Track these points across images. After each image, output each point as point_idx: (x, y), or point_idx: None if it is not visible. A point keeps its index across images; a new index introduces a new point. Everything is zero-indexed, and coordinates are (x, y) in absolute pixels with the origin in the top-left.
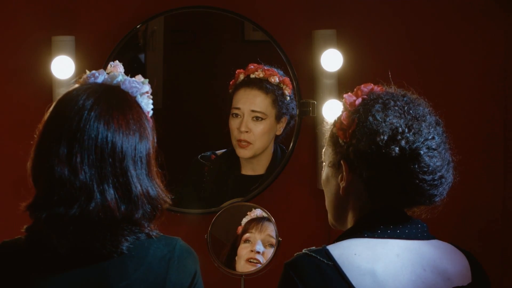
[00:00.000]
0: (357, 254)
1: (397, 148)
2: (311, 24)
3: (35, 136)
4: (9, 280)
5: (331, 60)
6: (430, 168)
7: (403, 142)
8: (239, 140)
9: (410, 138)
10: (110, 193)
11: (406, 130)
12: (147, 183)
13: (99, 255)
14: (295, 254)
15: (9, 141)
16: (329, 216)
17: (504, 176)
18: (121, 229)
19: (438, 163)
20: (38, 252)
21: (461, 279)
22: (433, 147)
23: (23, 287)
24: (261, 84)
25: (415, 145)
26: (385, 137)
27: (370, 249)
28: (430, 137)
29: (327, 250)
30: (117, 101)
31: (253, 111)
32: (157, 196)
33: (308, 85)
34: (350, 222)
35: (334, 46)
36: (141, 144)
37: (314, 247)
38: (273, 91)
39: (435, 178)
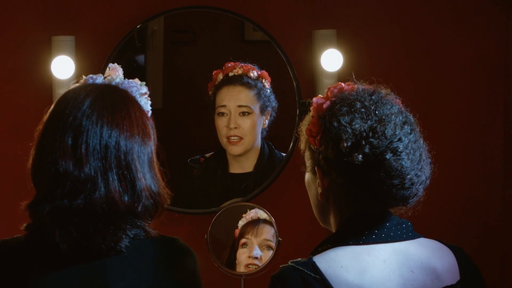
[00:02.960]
0: (344, 267)
1: (361, 156)
2: (311, 24)
3: (35, 136)
4: (8, 278)
5: (331, 60)
6: (397, 172)
7: (366, 148)
8: (229, 137)
9: (374, 143)
10: (114, 185)
11: (370, 134)
12: (150, 178)
13: (98, 252)
14: (280, 266)
15: (9, 141)
16: (318, 219)
17: (504, 176)
18: (124, 222)
19: (406, 165)
20: (37, 250)
21: (450, 277)
22: (400, 149)
23: (21, 285)
24: (242, 80)
25: (379, 150)
26: (349, 144)
27: (356, 260)
28: (396, 139)
29: (314, 263)
30: (119, 97)
31: (239, 106)
32: (159, 192)
33: (308, 85)
34: (333, 226)
35: (334, 46)
36: (144, 140)
37: (300, 259)
38: (255, 85)
39: (404, 181)
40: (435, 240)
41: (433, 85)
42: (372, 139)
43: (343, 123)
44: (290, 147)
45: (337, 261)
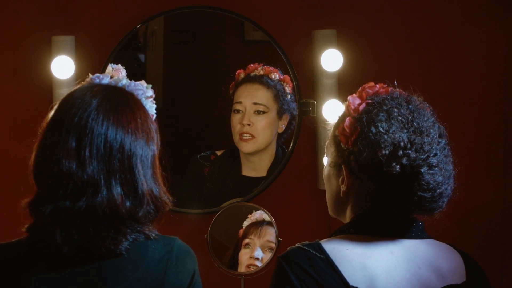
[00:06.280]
0: (349, 249)
1: (398, 166)
2: (311, 24)
3: (39, 133)
4: (5, 283)
5: (331, 60)
6: (430, 185)
7: (404, 160)
8: (242, 134)
9: (412, 155)
10: (117, 189)
11: (409, 145)
12: (152, 183)
13: (98, 255)
14: (288, 248)
15: (9, 141)
16: (329, 208)
17: (504, 176)
18: (124, 226)
19: (438, 180)
20: (38, 252)
21: (456, 277)
22: (434, 164)
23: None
24: (262, 79)
25: (416, 163)
26: (387, 152)
27: (362, 246)
28: (432, 154)
29: (320, 244)
30: (126, 100)
31: (255, 103)
32: (160, 197)
33: (308, 85)
34: (348, 218)
35: (334, 46)
36: (148, 144)
37: (307, 242)
38: (275, 86)
39: (435, 195)
40: (444, 243)
41: (433, 85)
42: (410, 151)
43: (381, 130)
44: (290, 147)
45: (343, 244)
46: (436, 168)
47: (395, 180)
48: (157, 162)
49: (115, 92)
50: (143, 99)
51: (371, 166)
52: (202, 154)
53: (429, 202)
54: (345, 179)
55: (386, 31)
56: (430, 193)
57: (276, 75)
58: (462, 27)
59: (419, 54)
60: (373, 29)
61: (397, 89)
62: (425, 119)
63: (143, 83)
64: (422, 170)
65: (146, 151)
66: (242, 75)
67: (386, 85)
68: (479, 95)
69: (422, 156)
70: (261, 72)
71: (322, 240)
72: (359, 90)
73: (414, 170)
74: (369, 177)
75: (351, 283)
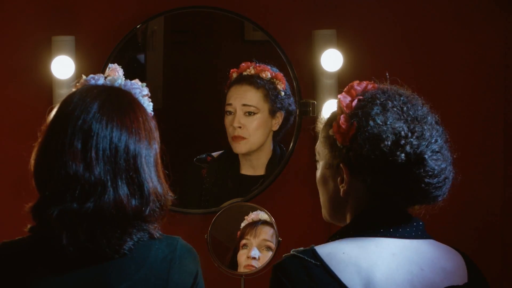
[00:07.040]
0: (346, 253)
1: (403, 155)
2: (311, 24)
3: (39, 136)
4: (9, 281)
5: (331, 60)
6: (436, 171)
7: (407, 148)
8: (233, 136)
9: (414, 143)
10: (123, 189)
11: (409, 134)
12: (156, 181)
13: (101, 255)
14: (283, 256)
15: (9, 141)
16: (324, 212)
17: (504, 176)
18: (131, 226)
19: (442, 166)
20: (40, 253)
21: (458, 278)
22: (436, 150)
23: (22, 287)
24: (252, 80)
25: (419, 150)
26: (389, 142)
27: (360, 248)
28: (433, 140)
29: (315, 250)
30: (127, 101)
31: (244, 105)
32: (164, 194)
33: (308, 85)
34: (348, 219)
35: (334, 46)
36: (151, 143)
37: (302, 248)
38: (264, 86)
39: (440, 180)
40: (444, 244)
41: (433, 85)
42: (412, 139)
43: (379, 122)
44: (290, 147)
45: (339, 249)
46: (438, 154)
47: (401, 169)
48: (159, 160)
49: (115, 93)
50: (140, 97)
51: (374, 159)
52: (197, 157)
53: (435, 189)
54: (345, 177)
55: (386, 31)
56: (436, 179)
57: (267, 74)
58: (462, 27)
59: (419, 54)
60: (373, 29)
61: (385, 84)
62: (419, 108)
63: (137, 81)
64: (426, 156)
65: (149, 149)
66: (235, 75)
67: (373, 82)
68: (478, 95)
69: (425, 143)
70: (252, 72)
71: (318, 246)
72: (345, 89)
73: (418, 157)
74: (373, 171)
75: (350, 287)
